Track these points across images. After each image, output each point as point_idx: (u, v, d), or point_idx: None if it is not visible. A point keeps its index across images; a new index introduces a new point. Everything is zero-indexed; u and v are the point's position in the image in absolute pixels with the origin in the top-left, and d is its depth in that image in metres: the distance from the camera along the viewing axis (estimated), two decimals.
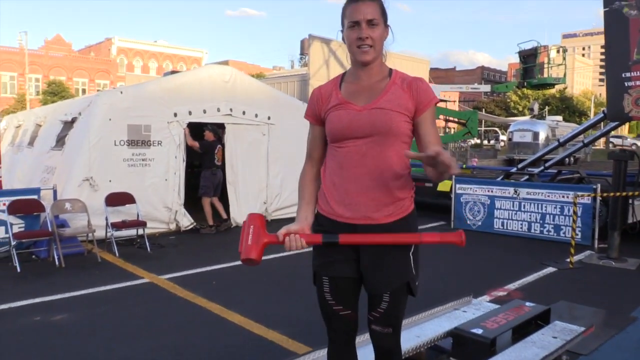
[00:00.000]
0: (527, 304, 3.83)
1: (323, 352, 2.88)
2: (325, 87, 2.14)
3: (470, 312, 3.73)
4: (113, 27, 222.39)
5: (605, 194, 7.30)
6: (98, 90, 39.17)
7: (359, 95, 2.03)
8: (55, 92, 39.40)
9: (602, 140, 40.49)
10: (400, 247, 2.03)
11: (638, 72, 7.00)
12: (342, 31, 2.06)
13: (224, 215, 8.57)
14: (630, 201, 7.24)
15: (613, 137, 39.56)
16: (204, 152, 8.31)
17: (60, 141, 8.31)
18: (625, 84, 7.07)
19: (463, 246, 1.99)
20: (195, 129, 8.49)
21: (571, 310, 4.82)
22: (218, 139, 8.50)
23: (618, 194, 6.73)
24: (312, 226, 2.11)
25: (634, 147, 39.15)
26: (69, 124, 8.30)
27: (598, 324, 4.40)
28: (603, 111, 8.42)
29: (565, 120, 39.95)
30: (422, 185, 10.16)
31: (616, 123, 8.57)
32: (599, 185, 7.69)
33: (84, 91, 47.34)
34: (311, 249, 2.14)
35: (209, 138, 8.34)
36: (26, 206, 6.58)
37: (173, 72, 9.92)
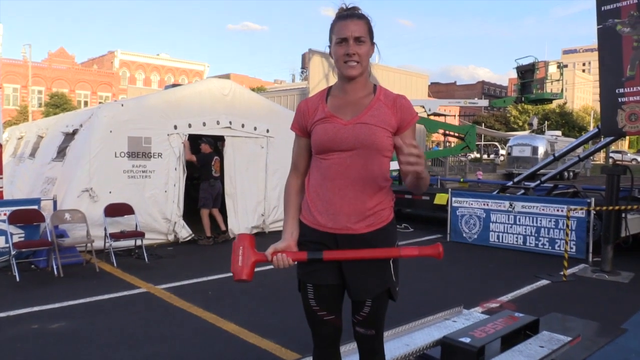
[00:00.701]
0: (517, 314, 3.90)
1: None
2: (311, 100, 2.24)
3: (460, 321, 3.79)
4: (116, 40, 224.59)
5: (598, 208, 7.38)
6: (100, 103, 39.48)
7: (345, 109, 2.13)
8: (57, 105, 39.64)
9: (603, 155, 40.67)
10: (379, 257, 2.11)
11: (631, 88, 7.12)
12: (329, 46, 2.16)
13: (223, 227, 8.65)
14: (623, 215, 7.31)
15: (613, 152, 39.71)
16: (202, 164, 8.42)
17: (62, 152, 8.42)
18: (619, 99, 7.18)
19: (440, 259, 2.05)
20: (194, 141, 8.60)
21: (562, 321, 4.87)
22: (215, 151, 8.61)
23: (611, 208, 6.81)
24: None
25: (633, 163, 39.35)
26: (70, 136, 8.42)
27: (588, 335, 4.46)
28: (597, 126, 8.53)
29: (564, 135, 40.18)
30: (419, 198, 10.27)
31: (611, 138, 8.67)
32: (592, 199, 7.77)
33: (86, 103, 47.63)
34: None
35: (205, 150, 8.46)
36: (26, 216, 6.66)
37: (174, 85, 10.05)
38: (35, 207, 6.82)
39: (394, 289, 2.15)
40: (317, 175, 2.16)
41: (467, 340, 3.26)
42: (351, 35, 2.04)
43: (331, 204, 2.10)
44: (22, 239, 6.65)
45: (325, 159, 2.12)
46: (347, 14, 2.08)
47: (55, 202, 7.03)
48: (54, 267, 6.32)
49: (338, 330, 2.25)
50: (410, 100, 2.21)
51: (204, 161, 8.42)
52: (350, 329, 2.24)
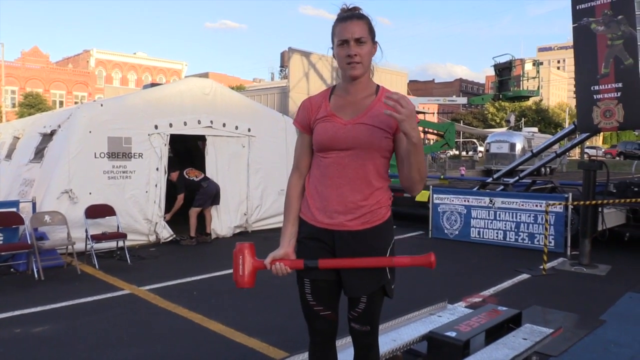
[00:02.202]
0: (500, 308, 3.98)
1: (300, 357, 2.98)
2: (315, 98, 2.28)
3: (445, 316, 3.85)
4: (91, 38, 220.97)
5: (576, 203, 7.54)
6: (76, 103, 38.85)
7: (346, 109, 2.16)
8: (32, 105, 38.94)
9: (578, 151, 41.47)
10: (375, 254, 2.15)
11: (606, 85, 7.29)
12: (332, 48, 2.19)
13: (208, 230, 8.61)
14: (600, 209, 7.48)
15: (588, 147, 40.52)
16: (184, 188, 8.45)
17: (39, 153, 8.28)
18: (594, 96, 7.35)
19: (433, 269, 2.08)
20: (177, 142, 8.55)
21: (543, 314, 4.98)
22: (194, 149, 8.61)
23: (588, 202, 6.96)
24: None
25: (607, 157, 40.20)
26: (48, 137, 8.28)
27: (568, 327, 4.57)
28: (574, 123, 8.71)
29: (541, 131, 40.79)
30: (401, 195, 10.34)
31: (587, 134, 8.87)
32: (570, 194, 7.93)
33: (61, 103, 46.85)
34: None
35: (174, 178, 8.49)
36: (5, 219, 6.54)
37: (153, 85, 9.94)
38: (14, 209, 6.71)
39: (389, 287, 2.19)
40: (317, 172, 2.21)
41: (452, 334, 3.33)
42: (351, 36, 2.07)
43: (328, 201, 2.15)
44: (1, 242, 6.55)
45: (325, 157, 2.16)
46: (347, 15, 2.11)
47: (34, 204, 6.92)
48: (35, 270, 6.23)
49: (334, 325, 2.29)
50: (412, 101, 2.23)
51: (182, 184, 8.44)
52: (346, 323, 2.27)
